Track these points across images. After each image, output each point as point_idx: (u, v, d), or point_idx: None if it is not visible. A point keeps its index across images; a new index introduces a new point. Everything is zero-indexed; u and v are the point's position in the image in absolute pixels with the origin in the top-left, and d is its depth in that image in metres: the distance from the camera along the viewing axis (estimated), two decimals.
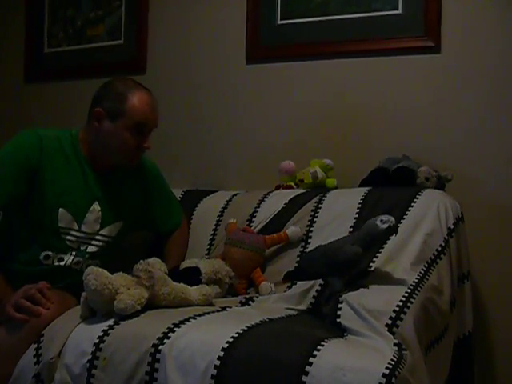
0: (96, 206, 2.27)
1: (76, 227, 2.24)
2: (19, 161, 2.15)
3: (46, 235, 2.21)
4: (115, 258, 2.37)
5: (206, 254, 2.55)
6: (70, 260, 2.24)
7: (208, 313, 1.92)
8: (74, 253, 2.25)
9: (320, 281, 2.12)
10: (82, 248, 2.27)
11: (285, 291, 2.26)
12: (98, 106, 2.22)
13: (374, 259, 2.14)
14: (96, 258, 2.30)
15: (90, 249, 2.28)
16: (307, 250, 2.36)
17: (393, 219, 2.00)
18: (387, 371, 1.51)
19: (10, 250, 2.21)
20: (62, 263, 2.23)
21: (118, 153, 2.24)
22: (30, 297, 1.95)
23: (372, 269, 2.10)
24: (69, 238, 2.23)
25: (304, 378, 1.53)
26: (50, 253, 2.21)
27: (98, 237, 2.30)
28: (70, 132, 2.30)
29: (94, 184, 2.27)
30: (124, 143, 2.22)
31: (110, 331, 1.80)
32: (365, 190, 2.50)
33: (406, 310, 1.81)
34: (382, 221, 2.00)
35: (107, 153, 2.25)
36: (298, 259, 2.33)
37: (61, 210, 2.20)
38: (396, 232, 2.02)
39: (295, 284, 2.23)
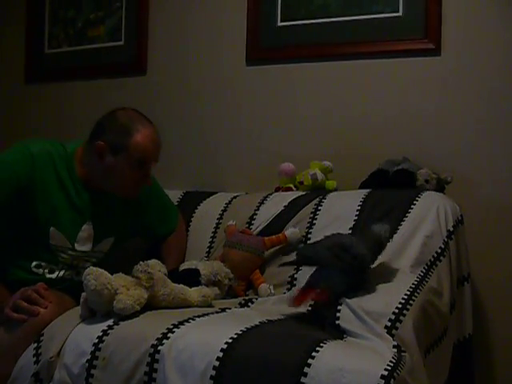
0: (88, 226, 2.25)
1: (69, 245, 2.22)
2: (8, 177, 2.09)
3: (38, 249, 2.19)
4: (111, 263, 2.36)
5: (206, 256, 2.55)
6: (62, 274, 2.24)
7: (207, 314, 1.92)
8: (65, 267, 2.24)
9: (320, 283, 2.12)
10: (74, 264, 2.25)
11: (284, 293, 2.26)
12: (100, 138, 2.16)
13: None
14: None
15: (83, 264, 2.26)
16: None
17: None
18: (386, 373, 1.51)
19: (2, 259, 2.18)
20: (53, 276, 2.22)
21: (118, 186, 2.22)
22: (27, 297, 1.95)
23: (372, 271, 2.10)
24: (62, 255, 2.22)
25: (303, 380, 1.53)
26: (42, 263, 2.20)
27: (91, 253, 2.28)
28: (64, 148, 2.23)
29: (86, 204, 2.23)
30: (125, 178, 2.19)
31: (109, 331, 1.79)
32: (364, 192, 2.50)
33: (405, 312, 1.81)
34: (385, 231, 2.06)
35: (106, 184, 2.21)
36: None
37: (52, 228, 2.17)
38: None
39: (295, 285, 2.22)
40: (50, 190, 2.16)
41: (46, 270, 2.21)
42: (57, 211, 2.18)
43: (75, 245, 2.23)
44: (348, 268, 1.95)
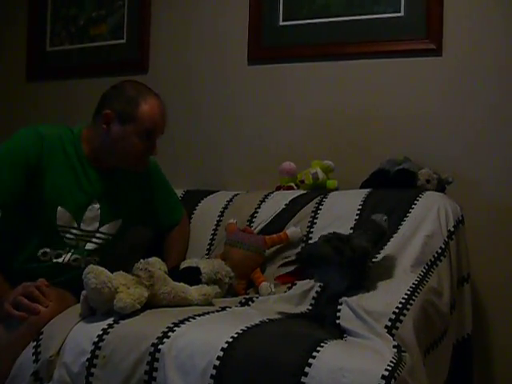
0: (95, 205, 2.27)
1: (75, 225, 2.23)
2: (19, 159, 2.13)
3: (44, 233, 2.20)
4: (114, 254, 2.37)
5: (206, 254, 2.55)
6: (68, 257, 2.24)
7: (208, 313, 1.92)
8: (72, 250, 2.25)
9: (320, 282, 2.13)
10: (81, 245, 2.26)
11: (285, 292, 2.25)
12: (107, 107, 2.20)
13: (374, 260, 2.14)
14: (94, 255, 2.30)
15: (89, 246, 2.28)
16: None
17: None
18: (386, 373, 1.51)
19: (8, 248, 2.20)
20: (60, 260, 2.23)
21: (125, 157, 2.23)
22: (29, 294, 1.95)
23: (372, 270, 2.10)
24: (67, 235, 2.23)
25: (303, 379, 1.53)
26: (47, 250, 2.21)
27: (97, 234, 2.30)
28: (71, 130, 2.28)
29: (94, 183, 2.26)
30: (132, 148, 2.21)
31: (109, 330, 1.80)
32: (365, 191, 2.50)
33: (405, 311, 1.81)
34: (385, 220, 2.07)
35: (113, 156, 2.23)
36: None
37: (59, 208, 2.19)
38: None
39: (295, 284, 2.22)
40: (58, 169, 2.19)
41: (53, 256, 2.22)
42: (64, 190, 2.20)
43: (81, 224, 2.25)
44: (348, 262, 1.94)
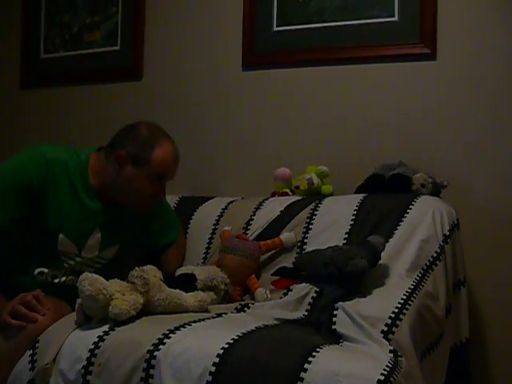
0: (97, 234, 2.25)
1: (76, 252, 2.22)
2: (22, 182, 2.09)
3: (44, 255, 2.19)
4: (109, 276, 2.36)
5: (202, 262, 2.55)
6: (65, 279, 2.24)
7: (203, 319, 1.92)
8: (69, 272, 2.24)
9: (315, 288, 2.12)
10: (77, 269, 2.24)
11: (280, 298, 2.25)
12: (121, 148, 2.17)
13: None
14: None
15: (86, 270, 2.25)
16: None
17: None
18: (382, 377, 1.51)
19: (5, 264, 2.18)
20: (56, 280, 2.22)
21: (133, 198, 2.22)
22: (26, 303, 1.95)
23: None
24: (68, 261, 2.22)
25: None
26: (45, 270, 2.19)
27: (95, 260, 2.29)
28: (78, 155, 2.23)
29: (97, 213, 2.23)
30: (142, 190, 2.20)
31: (105, 337, 1.79)
32: (360, 196, 2.50)
33: (401, 316, 1.81)
34: (382, 244, 2.09)
35: (121, 195, 2.22)
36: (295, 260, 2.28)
37: (61, 235, 2.17)
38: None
39: (291, 290, 2.22)
40: (63, 197, 2.16)
41: (49, 277, 2.21)
42: (68, 219, 2.18)
43: (82, 252, 2.24)
44: (345, 284, 1.99)
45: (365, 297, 1.97)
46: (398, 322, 1.78)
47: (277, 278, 2.14)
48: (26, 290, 2.02)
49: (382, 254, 2.12)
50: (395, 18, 2.79)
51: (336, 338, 1.81)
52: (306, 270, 2.08)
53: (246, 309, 2.19)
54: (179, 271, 2.30)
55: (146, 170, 2.17)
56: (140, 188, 2.19)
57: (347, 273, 1.97)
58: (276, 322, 1.97)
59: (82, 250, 2.23)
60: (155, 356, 1.69)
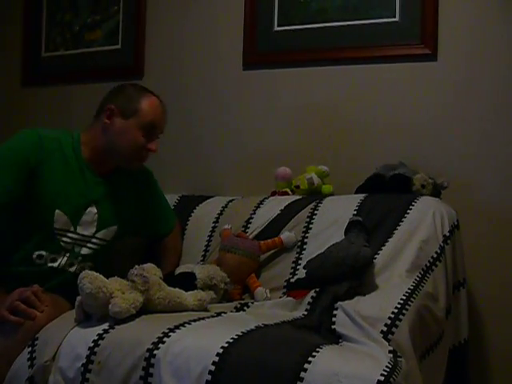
0: (92, 209, 2.28)
1: (72, 229, 2.24)
2: (18, 159, 2.15)
3: (40, 235, 2.21)
4: (108, 260, 2.37)
5: (202, 260, 2.55)
6: (64, 261, 2.24)
7: (203, 318, 1.91)
8: (67, 254, 2.25)
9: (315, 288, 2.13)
10: (76, 250, 2.26)
11: (280, 297, 2.25)
12: (110, 103, 2.26)
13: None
14: (89, 260, 2.31)
15: (84, 251, 2.28)
16: (303, 257, 2.36)
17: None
18: (382, 378, 1.51)
19: (4, 248, 2.20)
20: (55, 264, 2.23)
21: (127, 151, 2.25)
22: (25, 299, 1.94)
23: (368, 275, 2.10)
24: (64, 239, 2.23)
25: None
26: (43, 253, 2.21)
27: (93, 239, 2.30)
28: (71, 134, 2.31)
29: (92, 187, 2.27)
30: (134, 141, 2.24)
31: (104, 335, 1.79)
32: (361, 196, 2.50)
33: (401, 316, 1.81)
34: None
35: (114, 151, 2.26)
36: (304, 269, 2.26)
37: (57, 211, 2.20)
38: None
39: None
40: (57, 172, 2.21)
41: (49, 259, 2.22)
42: (62, 193, 2.21)
43: (78, 228, 2.25)
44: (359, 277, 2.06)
45: (364, 296, 1.97)
46: (397, 323, 1.78)
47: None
48: (26, 279, 2.05)
49: (380, 252, 2.17)
50: (396, 19, 2.80)
51: (336, 338, 1.81)
52: (319, 276, 2.12)
53: (245, 308, 2.18)
54: (179, 270, 2.30)
55: (136, 119, 2.24)
56: (132, 139, 2.24)
57: (361, 267, 2.04)
58: (276, 322, 1.96)
59: (77, 225, 2.25)
60: (155, 355, 1.68)
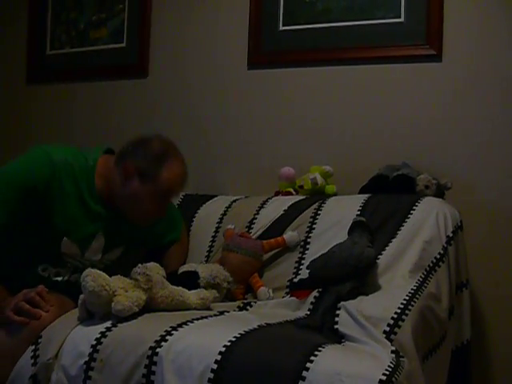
0: (100, 237, 2.23)
1: (79, 254, 2.21)
2: (27, 183, 2.04)
3: (47, 257, 2.18)
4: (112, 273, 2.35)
5: (205, 259, 2.55)
6: (67, 277, 2.23)
7: (206, 317, 1.91)
8: (73, 271, 2.23)
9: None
10: (81, 268, 2.19)
11: (283, 297, 2.26)
12: (131, 160, 2.13)
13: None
14: None
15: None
16: (306, 257, 2.36)
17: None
18: (384, 378, 1.51)
19: (8, 261, 2.16)
20: (59, 278, 2.22)
21: (135, 213, 2.19)
22: (30, 299, 1.94)
23: (371, 275, 2.11)
24: (70, 260, 2.21)
25: (301, 383, 1.53)
26: (49, 266, 2.19)
27: (99, 262, 2.27)
28: (86, 159, 2.18)
29: (102, 217, 2.20)
30: (144, 208, 2.17)
31: (107, 333, 1.79)
32: (364, 196, 2.50)
33: (404, 317, 1.81)
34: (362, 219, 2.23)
35: (124, 207, 2.18)
36: (308, 270, 2.25)
37: (65, 239, 2.16)
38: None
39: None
40: (68, 201, 2.12)
41: (53, 273, 2.21)
42: (73, 223, 2.15)
43: (85, 254, 2.22)
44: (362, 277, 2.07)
45: (367, 296, 1.97)
46: (400, 323, 1.78)
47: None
48: (30, 287, 2.01)
49: (384, 252, 2.19)
50: (401, 19, 2.80)
51: (338, 338, 1.81)
52: (322, 276, 2.12)
53: (248, 307, 2.19)
54: (182, 269, 2.30)
55: (152, 187, 2.12)
56: (143, 205, 2.16)
57: (364, 268, 2.05)
58: (278, 321, 1.96)
59: (85, 252, 2.22)
60: (157, 353, 1.69)
